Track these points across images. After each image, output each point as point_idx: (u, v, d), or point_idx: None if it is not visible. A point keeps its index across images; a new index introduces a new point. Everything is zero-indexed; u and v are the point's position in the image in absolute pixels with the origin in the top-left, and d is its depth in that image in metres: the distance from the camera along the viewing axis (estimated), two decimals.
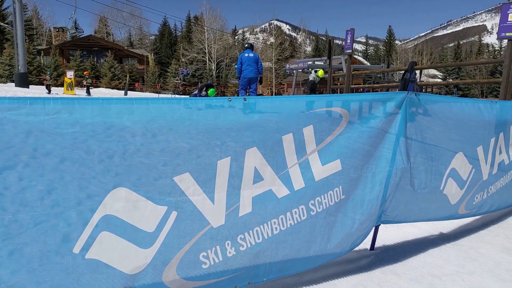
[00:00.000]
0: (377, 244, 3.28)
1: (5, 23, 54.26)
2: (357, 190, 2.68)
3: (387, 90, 21.92)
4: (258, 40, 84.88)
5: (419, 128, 3.03)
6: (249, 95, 10.44)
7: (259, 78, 10.37)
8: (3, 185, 1.58)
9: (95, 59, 54.26)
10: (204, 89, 12.11)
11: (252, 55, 10.21)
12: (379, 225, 3.14)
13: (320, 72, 13.29)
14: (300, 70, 40.84)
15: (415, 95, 2.90)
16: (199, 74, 58.06)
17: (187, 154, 2.00)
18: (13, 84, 32.74)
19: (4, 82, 40.33)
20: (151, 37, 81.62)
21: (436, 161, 3.22)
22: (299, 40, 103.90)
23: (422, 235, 3.67)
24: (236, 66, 10.46)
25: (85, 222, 1.75)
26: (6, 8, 56.32)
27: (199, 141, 2.02)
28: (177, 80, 36.22)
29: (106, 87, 45.56)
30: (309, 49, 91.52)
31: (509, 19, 8.42)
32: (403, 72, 9.05)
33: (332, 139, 2.47)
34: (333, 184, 2.53)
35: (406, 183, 3.03)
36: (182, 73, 32.51)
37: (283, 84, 58.25)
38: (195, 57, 59.51)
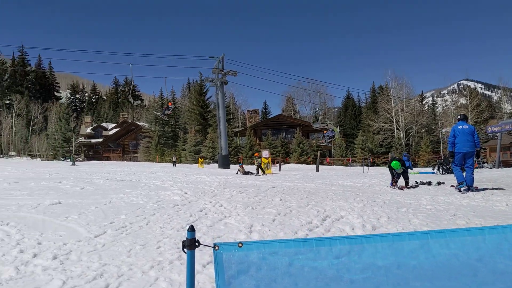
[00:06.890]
0: None
1: (207, 111, 64.92)
2: None
3: None
4: (446, 103, 78.79)
5: None
6: (464, 171, 9.10)
7: (475, 151, 9.04)
8: None
9: (284, 136, 58.61)
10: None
11: (467, 127, 9.08)
12: None
13: None
14: (505, 132, 35.72)
15: None
16: (387, 143, 56.33)
17: None
18: (216, 165, 37.49)
19: (208, 163, 46.60)
20: (334, 110, 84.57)
21: None
22: (494, 99, 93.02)
23: None
24: (448, 139, 9.40)
25: None
26: (209, 98, 67.79)
27: None
28: (322, 142, 36.68)
29: (296, 163, 48.26)
30: (508, 107, 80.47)
31: None
32: None
33: None
34: None
35: None
36: (327, 136, 34.75)
37: (485, 149, 51.49)
38: (382, 126, 58.21)
